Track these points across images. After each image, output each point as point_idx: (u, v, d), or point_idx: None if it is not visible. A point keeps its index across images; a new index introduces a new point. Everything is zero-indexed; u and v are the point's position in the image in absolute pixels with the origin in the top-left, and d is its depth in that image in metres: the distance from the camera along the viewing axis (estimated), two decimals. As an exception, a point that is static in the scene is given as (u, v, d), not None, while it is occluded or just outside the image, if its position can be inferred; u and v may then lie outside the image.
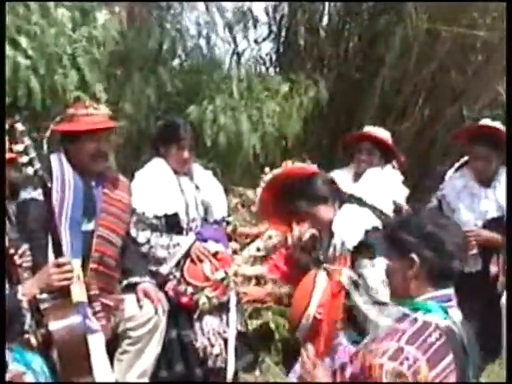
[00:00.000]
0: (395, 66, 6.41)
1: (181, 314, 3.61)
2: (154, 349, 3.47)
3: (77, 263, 3.04)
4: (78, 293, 2.96)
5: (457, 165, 4.24)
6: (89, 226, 3.28)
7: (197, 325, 3.60)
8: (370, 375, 2.03)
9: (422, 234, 2.14)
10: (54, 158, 3.27)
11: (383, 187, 3.85)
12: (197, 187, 3.79)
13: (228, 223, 4.00)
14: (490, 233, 3.83)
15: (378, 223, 3.24)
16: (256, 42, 6.85)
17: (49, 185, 2.72)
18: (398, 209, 3.93)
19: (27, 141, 2.61)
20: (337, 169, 4.37)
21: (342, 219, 3.25)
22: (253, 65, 6.44)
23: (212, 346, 3.58)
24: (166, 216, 3.61)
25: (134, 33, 4.71)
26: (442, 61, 6.47)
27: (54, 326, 2.55)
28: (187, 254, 3.61)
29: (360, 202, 3.39)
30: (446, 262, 2.12)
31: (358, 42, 7.00)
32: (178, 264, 3.61)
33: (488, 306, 3.77)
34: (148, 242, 3.55)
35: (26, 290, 2.65)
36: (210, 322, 3.61)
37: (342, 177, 4.10)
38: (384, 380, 1.98)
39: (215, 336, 3.59)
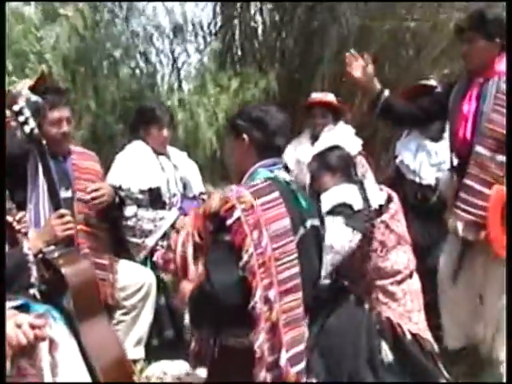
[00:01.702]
0: (333, 63, 6.75)
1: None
2: (147, 315, 3.63)
3: None
4: None
5: (405, 132, 4.58)
6: (67, 194, 3.45)
7: (185, 292, 3.77)
8: None
9: (251, 118, 2.69)
10: None
11: (339, 142, 4.12)
12: (175, 166, 4.01)
13: (203, 200, 4.20)
14: None
15: (355, 201, 3.49)
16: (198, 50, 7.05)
17: (44, 142, 2.87)
18: None
19: (22, 102, 2.79)
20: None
21: (330, 192, 3.54)
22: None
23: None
24: (150, 190, 3.81)
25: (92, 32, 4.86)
26: (375, 56, 6.85)
27: (68, 270, 2.71)
28: (173, 226, 3.79)
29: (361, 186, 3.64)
30: (269, 138, 2.67)
31: (295, 44, 7.32)
32: (163, 236, 3.79)
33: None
34: (135, 215, 3.74)
35: (32, 244, 2.81)
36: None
37: (301, 141, 4.41)
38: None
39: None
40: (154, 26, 5.94)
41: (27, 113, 2.79)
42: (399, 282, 3.52)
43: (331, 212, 3.42)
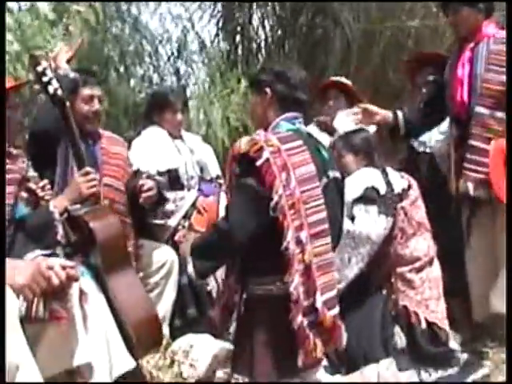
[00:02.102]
0: (338, 70, 6.84)
1: (191, 260, 3.77)
2: (170, 293, 3.60)
3: None
4: None
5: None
6: None
7: (207, 269, 3.77)
8: None
9: (274, 72, 2.75)
10: None
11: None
12: (191, 150, 4.05)
13: (220, 185, 4.22)
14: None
15: (381, 185, 3.46)
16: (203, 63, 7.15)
17: (67, 104, 2.89)
18: None
19: (45, 64, 2.83)
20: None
21: (355, 176, 3.48)
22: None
23: (225, 286, 3.74)
24: (168, 172, 3.83)
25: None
26: (379, 62, 6.96)
27: (95, 225, 2.70)
28: (193, 206, 3.83)
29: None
30: (292, 92, 2.72)
31: (298, 57, 7.43)
32: (185, 216, 3.80)
33: None
34: None
35: (57, 202, 2.82)
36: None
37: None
38: None
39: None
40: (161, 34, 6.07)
41: (50, 74, 2.83)
42: (418, 270, 3.48)
43: (360, 199, 3.39)
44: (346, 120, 3.97)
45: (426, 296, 3.46)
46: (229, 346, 3.30)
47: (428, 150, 4.34)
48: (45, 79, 2.82)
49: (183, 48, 6.73)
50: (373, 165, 3.58)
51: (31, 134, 3.26)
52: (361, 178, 3.47)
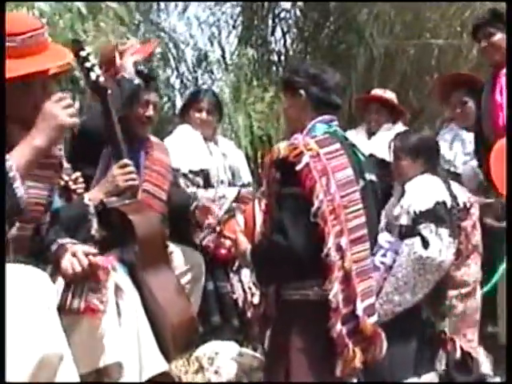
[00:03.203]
0: (360, 87, 6.79)
1: (218, 267, 3.68)
2: (196, 299, 3.49)
3: None
4: None
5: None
6: None
7: (235, 278, 3.69)
8: None
9: (309, 75, 2.66)
10: None
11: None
12: (223, 154, 3.97)
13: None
14: None
15: (448, 198, 3.23)
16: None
17: (109, 91, 2.80)
18: None
19: (88, 49, 2.76)
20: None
21: (418, 184, 3.25)
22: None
23: (252, 295, 3.64)
24: (201, 171, 3.74)
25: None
26: (399, 80, 6.91)
27: (135, 217, 2.60)
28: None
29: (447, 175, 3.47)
30: (326, 95, 2.65)
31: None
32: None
33: None
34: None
35: (92, 195, 2.73)
36: (249, 274, 3.69)
37: (357, 135, 4.36)
38: None
39: (256, 286, 3.65)
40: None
41: (93, 59, 2.75)
42: (464, 296, 3.30)
43: (429, 215, 3.10)
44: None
45: (464, 324, 3.31)
46: (253, 353, 3.28)
47: (452, 169, 4.27)
48: (87, 65, 2.73)
49: (206, 55, 6.70)
50: (434, 172, 3.31)
51: (80, 133, 3.13)
52: (427, 189, 3.20)
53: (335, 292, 2.44)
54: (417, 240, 3.03)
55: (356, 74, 6.68)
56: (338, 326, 2.43)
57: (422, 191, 3.18)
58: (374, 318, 2.56)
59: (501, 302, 3.59)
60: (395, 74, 6.83)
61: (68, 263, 2.23)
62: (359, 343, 2.48)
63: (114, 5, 4.21)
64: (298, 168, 2.47)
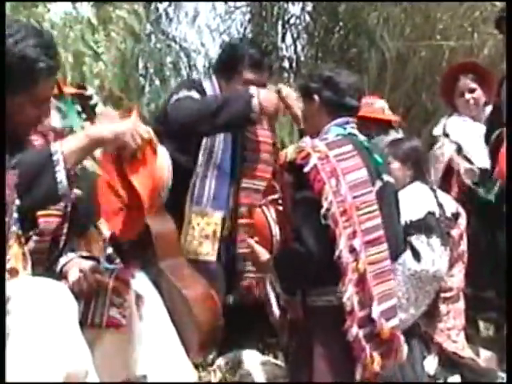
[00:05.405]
0: (372, 90, 6.74)
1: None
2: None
3: (218, 217, 3.07)
4: (210, 250, 3.02)
5: None
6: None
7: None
8: None
9: (322, 79, 2.66)
10: None
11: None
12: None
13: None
14: None
15: (436, 209, 3.29)
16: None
17: None
18: None
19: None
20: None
21: (409, 193, 3.28)
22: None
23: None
24: None
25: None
26: (412, 82, 6.87)
27: (151, 221, 2.53)
28: None
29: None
30: (340, 98, 2.65)
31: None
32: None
33: None
34: None
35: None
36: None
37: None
38: None
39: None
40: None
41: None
42: (446, 299, 3.36)
43: (419, 225, 3.17)
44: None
45: (448, 325, 3.34)
46: (276, 362, 3.25)
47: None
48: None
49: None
50: (422, 179, 3.41)
51: None
52: (418, 198, 3.28)
53: (349, 295, 2.40)
54: (408, 255, 3.08)
55: (368, 78, 6.64)
56: (354, 330, 2.40)
57: (413, 201, 3.22)
58: (395, 322, 2.51)
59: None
60: (407, 76, 6.77)
61: (75, 279, 2.24)
62: (378, 347, 2.44)
63: (124, 15, 4.19)
64: (305, 170, 2.46)
